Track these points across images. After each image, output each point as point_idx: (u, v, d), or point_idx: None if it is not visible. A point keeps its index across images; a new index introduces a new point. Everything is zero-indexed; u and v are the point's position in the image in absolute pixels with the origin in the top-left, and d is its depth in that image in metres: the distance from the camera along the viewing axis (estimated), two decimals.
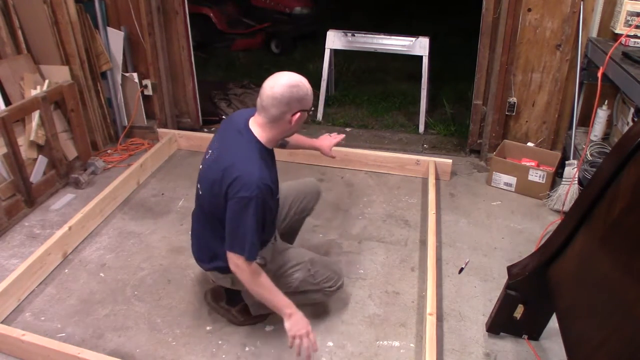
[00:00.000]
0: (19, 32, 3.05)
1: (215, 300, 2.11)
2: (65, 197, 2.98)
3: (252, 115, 1.80)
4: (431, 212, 2.66)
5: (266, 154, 1.79)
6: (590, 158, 2.75)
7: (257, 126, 1.77)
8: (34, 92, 2.94)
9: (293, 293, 1.95)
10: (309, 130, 3.93)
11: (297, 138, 2.27)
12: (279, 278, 1.93)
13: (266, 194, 1.69)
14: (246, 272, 1.72)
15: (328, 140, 2.41)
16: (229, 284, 1.98)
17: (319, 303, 2.17)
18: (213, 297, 2.13)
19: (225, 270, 1.81)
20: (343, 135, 2.45)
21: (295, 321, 1.75)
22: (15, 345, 1.90)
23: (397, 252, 2.52)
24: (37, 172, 2.93)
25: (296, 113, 1.73)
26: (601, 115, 2.89)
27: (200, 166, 1.89)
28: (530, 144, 3.21)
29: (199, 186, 1.88)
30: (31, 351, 1.88)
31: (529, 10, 2.90)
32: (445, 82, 4.74)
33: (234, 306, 2.07)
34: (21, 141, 2.83)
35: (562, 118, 3.16)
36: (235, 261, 1.71)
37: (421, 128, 3.89)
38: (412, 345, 2.00)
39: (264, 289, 1.76)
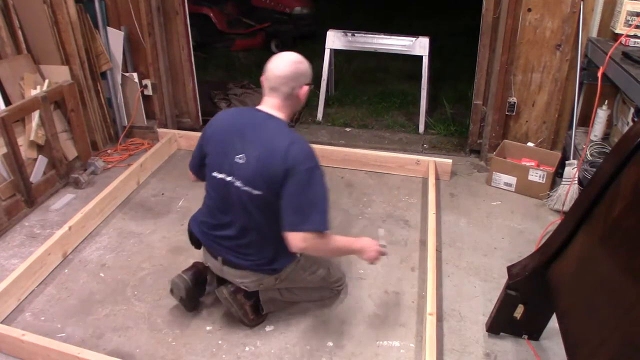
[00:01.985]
0: (19, 32, 3.05)
1: (234, 293, 2.02)
2: (65, 197, 2.98)
3: (249, 108, 1.94)
4: (431, 212, 2.66)
5: None
6: (590, 158, 2.75)
7: (275, 109, 1.84)
8: (34, 92, 2.94)
9: (307, 288, 2.11)
10: (309, 130, 3.93)
11: None
12: (302, 273, 2.03)
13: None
14: (321, 243, 1.74)
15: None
16: (256, 286, 1.98)
17: (318, 302, 2.18)
18: (231, 291, 2.03)
19: (275, 271, 1.93)
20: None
21: (365, 250, 1.91)
22: (15, 345, 1.90)
23: (397, 252, 2.52)
24: (37, 172, 2.93)
25: (303, 86, 1.84)
26: (601, 115, 2.88)
27: (229, 176, 1.81)
28: (530, 144, 3.21)
29: (249, 190, 1.77)
30: (31, 351, 1.88)
31: (529, 10, 2.90)
32: (445, 82, 4.74)
33: (249, 299, 2.03)
34: (21, 141, 2.84)
35: (562, 118, 3.16)
36: (303, 239, 1.71)
37: (421, 128, 3.89)
38: (412, 345, 2.00)
39: (339, 245, 1.86)
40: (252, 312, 2.05)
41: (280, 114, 1.84)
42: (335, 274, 2.19)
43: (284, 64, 1.80)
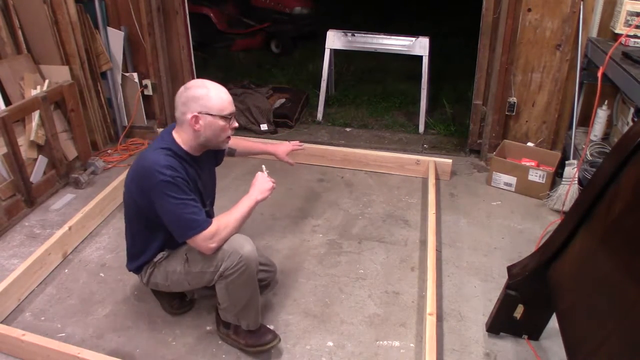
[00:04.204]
0: (19, 32, 3.05)
1: (218, 326, 2.02)
2: (65, 197, 2.98)
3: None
4: (431, 212, 2.66)
5: (187, 157, 1.82)
6: (590, 158, 2.75)
7: (175, 132, 1.83)
8: (34, 92, 2.94)
9: (207, 288, 1.93)
10: (309, 130, 3.94)
11: (247, 144, 2.38)
12: (172, 283, 1.93)
13: (175, 174, 1.71)
14: (215, 238, 1.73)
15: (284, 145, 2.49)
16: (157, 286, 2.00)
17: (318, 302, 2.18)
18: (217, 323, 2.03)
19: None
20: (303, 146, 2.56)
21: (258, 193, 1.86)
22: (15, 345, 1.90)
23: (397, 252, 2.52)
24: (37, 172, 2.93)
25: (196, 114, 1.73)
26: (601, 115, 2.89)
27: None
28: (530, 144, 3.21)
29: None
30: (31, 351, 1.88)
31: (529, 10, 2.90)
32: (445, 82, 4.74)
33: (229, 329, 1.97)
34: (21, 141, 2.84)
35: (562, 118, 3.16)
36: (201, 242, 1.72)
37: (421, 128, 3.89)
38: (412, 345, 2.00)
39: (233, 222, 1.78)
40: (240, 337, 1.94)
41: (177, 137, 1.81)
42: (211, 264, 1.80)
43: (181, 88, 1.79)
